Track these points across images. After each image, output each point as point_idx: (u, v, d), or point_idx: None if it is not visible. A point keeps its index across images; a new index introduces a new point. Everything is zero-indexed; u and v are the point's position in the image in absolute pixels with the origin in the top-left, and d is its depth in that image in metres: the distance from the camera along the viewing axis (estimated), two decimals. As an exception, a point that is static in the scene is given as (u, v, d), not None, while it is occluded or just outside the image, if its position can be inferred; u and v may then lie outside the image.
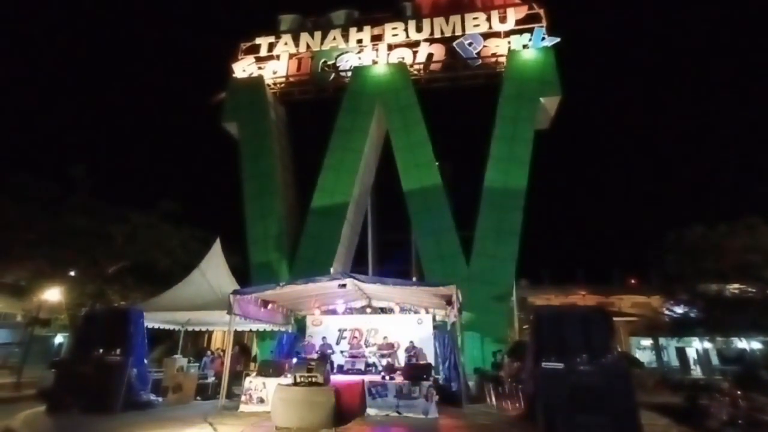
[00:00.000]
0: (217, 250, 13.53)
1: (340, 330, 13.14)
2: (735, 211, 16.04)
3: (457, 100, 21.77)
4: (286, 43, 22.26)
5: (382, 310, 13.29)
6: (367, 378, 9.38)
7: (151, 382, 10.05)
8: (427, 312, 12.69)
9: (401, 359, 11.52)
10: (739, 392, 8.48)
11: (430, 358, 11.61)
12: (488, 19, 20.41)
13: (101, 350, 9.18)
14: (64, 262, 16.14)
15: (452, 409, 9.17)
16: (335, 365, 11.26)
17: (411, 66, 20.39)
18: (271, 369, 9.51)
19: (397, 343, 12.08)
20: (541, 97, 18.35)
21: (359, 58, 21.09)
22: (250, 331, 14.88)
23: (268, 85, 21.57)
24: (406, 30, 21.18)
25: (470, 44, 20.09)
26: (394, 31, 21.26)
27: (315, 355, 10.99)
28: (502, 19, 20.29)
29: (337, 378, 9.15)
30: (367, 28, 21.75)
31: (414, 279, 19.30)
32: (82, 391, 8.68)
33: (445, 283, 10.50)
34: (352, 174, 18.95)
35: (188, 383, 10.73)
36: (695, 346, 20.63)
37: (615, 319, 19.43)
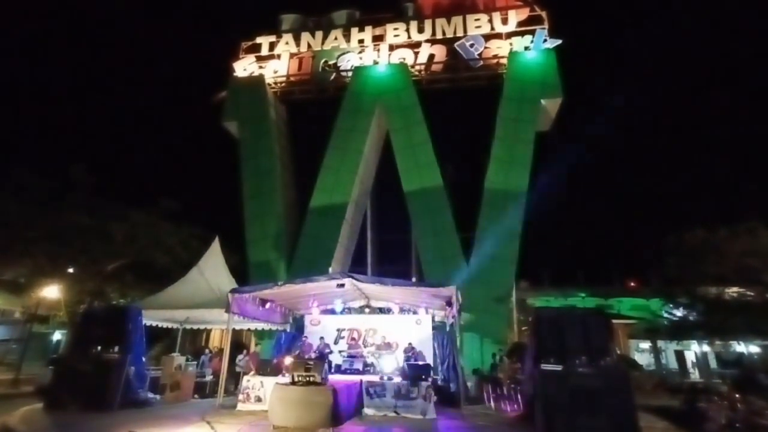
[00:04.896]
0: (215, 248, 13.53)
1: (338, 330, 13.12)
2: (736, 215, 16.01)
3: (459, 101, 21.75)
4: (287, 43, 22.26)
5: (381, 311, 13.27)
6: (365, 378, 9.38)
7: (149, 380, 10.05)
8: (427, 312, 12.66)
9: (400, 359, 11.50)
10: (737, 395, 8.46)
11: (429, 359, 11.60)
12: (490, 21, 20.41)
13: (99, 348, 9.17)
14: (64, 259, 16.14)
15: (451, 410, 9.17)
16: (333, 365, 11.24)
17: (412, 66, 20.39)
18: (268, 368, 9.50)
19: (395, 344, 12.07)
20: (542, 98, 18.35)
21: (360, 58, 21.09)
22: (249, 330, 14.87)
23: (269, 85, 21.56)
24: (407, 30, 21.18)
25: (472, 45, 20.09)
26: (395, 32, 21.26)
27: (312, 355, 10.98)
28: (504, 21, 20.30)
29: (335, 378, 9.13)
30: (368, 29, 21.74)
31: (413, 279, 19.29)
32: (80, 389, 8.67)
33: (444, 283, 10.49)
34: (351, 174, 18.93)
35: (186, 381, 10.73)
36: (694, 349, 20.61)
37: (614, 321, 19.49)
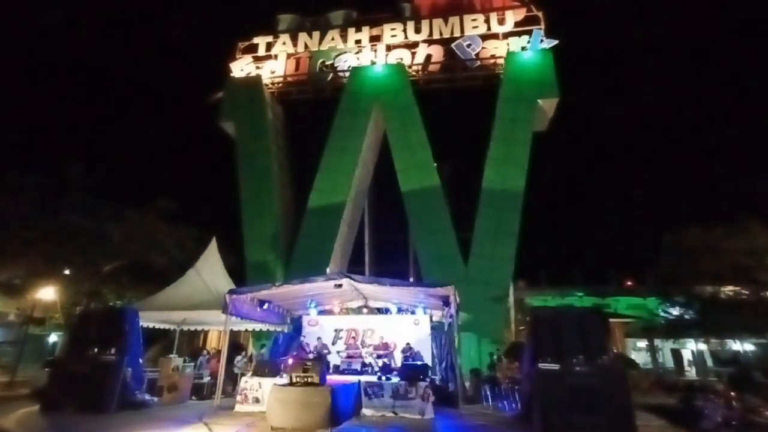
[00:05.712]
0: (213, 249, 13.50)
1: (336, 330, 13.11)
2: (732, 214, 16.06)
3: (456, 101, 21.82)
4: (284, 43, 22.26)
5: (379, 311, 13.28)
6: (363, 378, 9.38)
7: (146, 382, 10.02)
8: (425, 312, 12.67)
9: (398, 360, 11.51)
10: (733, 393, 8.51)
11: (427, 359, 11.61)
12: (487, 21, 20.49)
13: (96, 349, 9.13)
14: (60, 260, 16.03)
15: (449, 410, 9.18)
16: (331, 365, 11.23)
17: (409, 67, 20.43)
18: (266, 369, 9.49)
19: (393, 344, 12.07)
20: (539, 98, 18.43)
21: (357, 59, 21.10)
22: (246, 330, 14.84)
23: (266, 85, 21.54)
24: (404, 31, 21.22)
25: (469, 46, 20.15)
26: (392, 32, 21.30)
27: (310, 355, 10.96)
28: (501, 21, 20.38)
29: (333, 378, 9.12)
30: (365, 29, 21.79)
31: (411, 279, 19.31)
32: (76, 391, 8.63)
33: (442, 283, 10.50)
34: (349, 174, 18.94)
35: (183, 383, 10.68)
36: (690, 348, 20.70)
37: (611, 320, 19.56)
